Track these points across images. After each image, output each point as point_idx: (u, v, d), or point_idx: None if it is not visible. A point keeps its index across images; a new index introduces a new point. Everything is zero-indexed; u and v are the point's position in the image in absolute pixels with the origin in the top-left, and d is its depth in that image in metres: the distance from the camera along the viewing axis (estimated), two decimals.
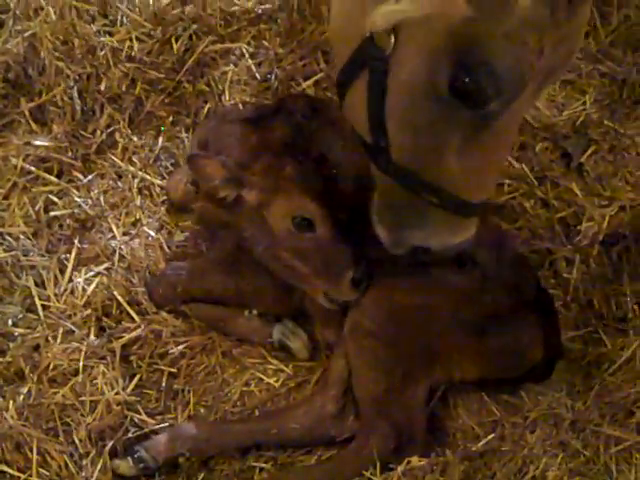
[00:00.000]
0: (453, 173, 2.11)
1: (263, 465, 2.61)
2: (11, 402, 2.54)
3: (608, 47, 3.38)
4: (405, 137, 2.11)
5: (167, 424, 2.64)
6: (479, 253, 2.62)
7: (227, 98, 3.26)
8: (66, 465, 2.45)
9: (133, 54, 3.22)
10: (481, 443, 2.54)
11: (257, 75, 3.31)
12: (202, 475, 2.58)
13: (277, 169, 2.55)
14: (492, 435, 2.56)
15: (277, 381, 2.78)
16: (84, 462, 2.47)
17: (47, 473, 2.44)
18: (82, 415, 2.55)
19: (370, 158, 2.23)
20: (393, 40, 1.97)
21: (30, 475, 2.43)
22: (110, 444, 2.53)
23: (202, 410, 2.72)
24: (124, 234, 2.99)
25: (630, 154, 3.12)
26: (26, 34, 3.21)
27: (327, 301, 2.60)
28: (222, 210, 2.64)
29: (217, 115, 3.11)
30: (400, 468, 2.44)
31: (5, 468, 2.44)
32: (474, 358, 2.62)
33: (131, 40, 3.23)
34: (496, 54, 1.84)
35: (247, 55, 3.33)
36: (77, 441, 2.51)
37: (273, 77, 3.31)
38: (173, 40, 3.26)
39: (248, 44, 3.35)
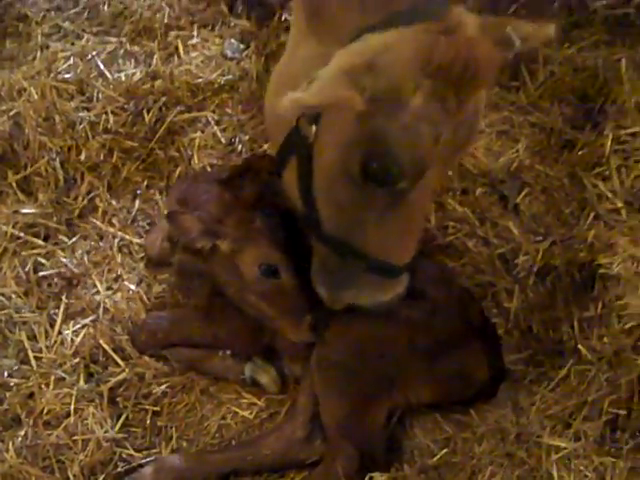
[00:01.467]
0: (375, 241, 2.36)
1: None
2: (10, 444, 2.78)
3: (537, 100, 3.69)
4: (331, 211, 2.40)
5: (153, 458, 2.87)
6: (429, 288, 2.93)
7: (196, 162, 3.55)
8: None
9: (109, 126, 3.53)
10: (435, 458, 2.81)
11: (222, 140, 3.62)
12: None
13: (247, 222, 2.84)
14: (445, 450, 2.82)
15: (251, 414, 3.01)
16: None
17: None
18: (75, 453, 2.79)
19: (305, 227, 2.52)
20: (314, 129, 2.27)
21: None
22: (101, 478, 2.77)
23: (184, 443, 2.94)
24: (107, 289, 3.25)
25: (560, 194, 3.40)
26: (11, 113, 3.53)
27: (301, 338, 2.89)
28: (199, 259, 2.92)
29: (192, 176, 3.38)
30: None
31: None
32: (428, 383, 2.88)
33: (107, 114, 3.55)
34: (396, 144, 2.10)
35: (212, 122, 3.65)
36: (71, 477, 2.74)
37: (237, 141, 3.62)
38: (145, 112, 3.58)
39: (213, 112, 3.67)
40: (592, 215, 3.31)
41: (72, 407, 2.89)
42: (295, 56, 2.49)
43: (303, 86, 2.06)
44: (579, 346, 3.03)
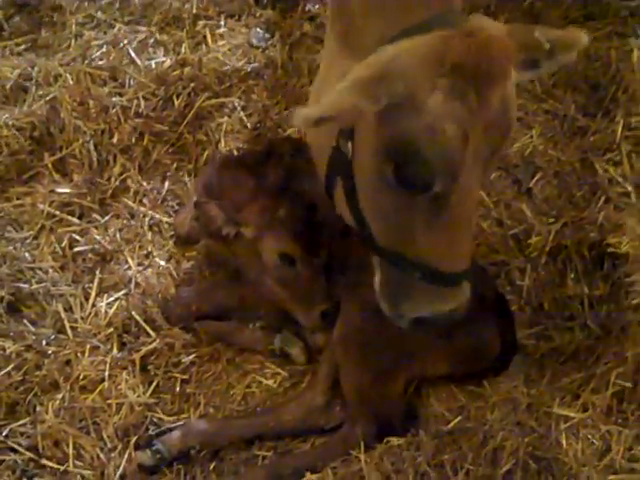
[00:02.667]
0: (425, 249, 2.32)
1: (265, 453, 2.99)
2: (49, 407, 2.95)
3: (550, 88, 3.83)
4: (379, 223, 2.39)
5: (181, 422, 3.03)
6: None
7: (223, 145, 3.70)
8: (98, 457, 2.86)
9: (140, 111, 3.69)
10: (450, 425, 2.95)
11: (248, 125, 3.76)
12: (213, 464, 2.96)
13: (271, 211, 2.99)
14: (459, 417, 2.97)
15: (274, 383, 3.16)
16: (112, 455, 2.88)
17: (81, 464, 2.85)
18: (109, 415, 2.96)
19: (363, 243, 2.51)
20: (350, 146, 2.30)
21: (67, 467, 2.84)
22: (134, 439, 2.94)
23: (211, 410, 3.10)
24: (138, 264, 3.40)
25: (572, 178, 3.54)
26: (47, 98, 3.68)
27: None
28: (224, 244, 3.10)
29: (217, 162, 3.46)
30: (380, 447, 2.87)
31: (46, 462, 2.85)
32: (444, 355, 3.02)
33: (138, 99, 3.70)
34: (422, 145, 2.09)
35: (239, 108, 3.80)
36: (106, 437, 2.92)
37: (262, 125, 3.78)
38: (174, 97, 3.74)
39: (239, 98, 3.82)
40: (603, 198, 3.46)
41: (106, 373, 3.06)
42: (329, 75, 2.51)
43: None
44: (588, 322, 3.18)
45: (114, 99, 3.71)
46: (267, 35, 4.05)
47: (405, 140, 2.12)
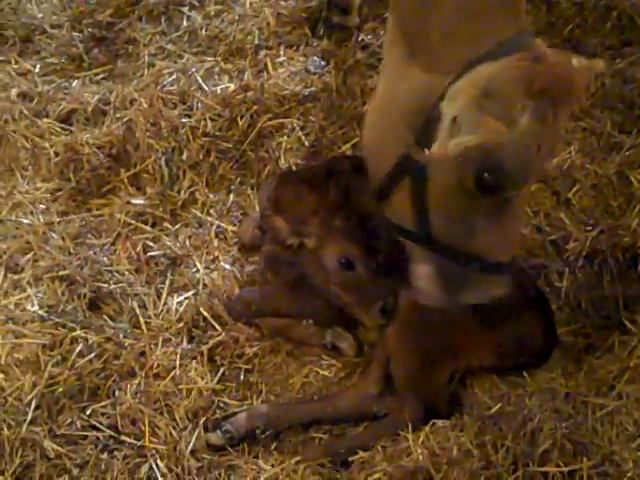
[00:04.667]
0: (485, 243, 2.69)
1: (322, 435, 3.26)
2: (127, 390, 3.26)
3: (589, 108, 4.09)
4: (444, 222, 2.72)
5: (246, 407, 3.32)
6: None
7: (283, 162, 4.02)
8: (170, 434, 3.11)
9: (207, 130, 4.03)
10: (492, 410, 3.20)
11: (306, 143, 4.07)
12: (275, 444, 3.22)
13: (330, 222, 3.31)
14: (500, 404, 3.21)
15: (330, 373, 3.43)
16: (184, 433, 3.15)
17: (156, 440, 3.11)
18: (180, 399, 3.23)
19: (414, 242, 2.85)
20: (427, 153, 2.60)
21: (144, 443, 3.13)
22: (203, 420, 3.22)
23: (272, 397, 3.37)
24: (206, 268, 3.70)
25: (608, 189, 3.79)
26: (124, 120, 4.04)
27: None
28: (288, 252, 3.41)
29: (281, 176, 3.75)
30: (427, 428, 3.12)
31: (125, 438, 3.14)
32: (488, 349, 3.27)
33: (205, 120, 4.05)
34: (507, 158, 2.46)
35: (297, 128, 4.11)
36: (177, 418, 3.19)
37: (318, 144, 4.09)
38: (238, 118, 4.08)
39: (298, 119, 4.14)
40: (637, 208, 3.69)
41: (177, 363, 3.34)
42: (395, 89, 2.78)
43: (448, 129, 2.48)
44: (623, 319, 3.40)
45: (184, 120, 4.07)
46: (323, 63, 4.39)
47: (493, 153, 2.45)
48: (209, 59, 4.48)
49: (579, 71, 2.50)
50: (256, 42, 4.52)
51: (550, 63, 2.46)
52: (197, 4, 4.80)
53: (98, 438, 3.16)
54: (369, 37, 4.51)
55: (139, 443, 3.12)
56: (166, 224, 3.87)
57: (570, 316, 3.50)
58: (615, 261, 3.53)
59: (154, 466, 3.06)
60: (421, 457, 2.97)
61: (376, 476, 2.98)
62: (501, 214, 2.65)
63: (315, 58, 4.42)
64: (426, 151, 2.61)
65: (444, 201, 2.68)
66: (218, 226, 3.87)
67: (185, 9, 4.77)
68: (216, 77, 4.37)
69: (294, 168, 4.00)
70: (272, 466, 3.09)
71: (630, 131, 3.96)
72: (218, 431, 3.20)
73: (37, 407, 3.18)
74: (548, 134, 2.49)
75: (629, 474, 2.85)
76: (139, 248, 3.76)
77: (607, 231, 3.61)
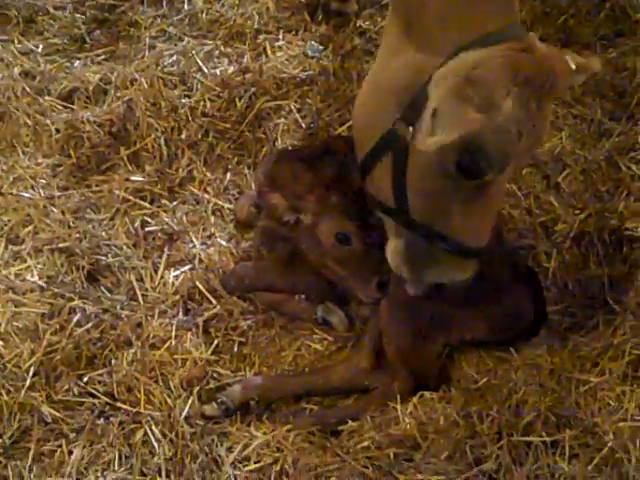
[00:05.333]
0: (458, 226, 2.72)
1: (312, 407, 3.36)
2: (124, 359, 3.34)
3: (580, 96, 4.18)
4: (421, 201, 2.75)
5: (239, 379, 3.42)
6: None
7: (280, 143, 4.10)
8: (165, 402, 3.20)
9: (206, 111, 4.12)
10: (478, 384, 3.29)
11: (302, 125, 4.15)
12: (267, 414, 3.32)
13: (325, 198, 3.40)
14: (486, 378, 3.30)
15: (322, 347, 3.52)
16: (178, 401, 3.24)
17: (151, 407, 3.19)
18: (175, 368, 3.32)
19: (391, 217, 2.90)
20: (411, 130, 2.65)
21: (139, 409, 3.20)
22: (197, 389, 3.29)
23: (264, 369, 3.47)
24: (202, 244, 3.79)
25: (597, 174, 3.87)
26: (125, 99, 4.13)
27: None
28: (284, 228, 3.49)
29: (277, 154, 3.85)
30: (415, 399, 3.21)
31: (121, 404, 3.22)
32: (481, 322, 3.35)
33: (204, 100, 4.14)
34: (488, 142, 2.50)
35: (294, 110, 4.19)
36: (172, 387, 3.27)
37: (315, 126, 4.18)
38: (237, 100, 4.16)
39: (295, 102, 4.22)
40: (625, 193, 3.78)
41: (173, 333, 3.43)
42: (389, 65, 2.84)
43: (429, 124, 2.56)
44: (608, 299, 3.49)
45: (183, 100, 4.15)
46: (321, 47, 4.47)
47: (475, 137, 2.49)
48: (209, 42, 4.55)
49: (566, 66, 2.58)
50: (255, 26, 4.58)
51: (538, 54, 2.53)
52: None
53: (94, 404, 3.25)
54: (367, 23, 4.58)
55: (134, 410, 3.20)
56: (164, 201, 3.95)
57: (557, 296, 3.59)
58: (602, 243, 3.61)
59: (149, 432, 3.14)
60: (409, 426, 3.07)
61: (365, 444, 3.08)
62: (478, 199, 2.68)
63: (313, 42, 4.49)
64: (410, 129, 2.66)
65: (423, 180, 2.72)
66: (215, 204, 3.95)
67: None
68: (216, 60, 4.44)
69: (290, 148, 4.07)
70: (264, 434, 3.17)
71: (620, 118, 4.05)
72: (214, 402, 3.29)
73: (35, 374, 3.27)
74: (531, 122, 2.53)
75: (609, 444, 2.93)
76: (137, 223, 3.84)
77: (595, 214, 3.69)
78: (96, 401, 3.25)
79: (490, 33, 2.58)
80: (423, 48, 2.70)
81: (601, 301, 3.52)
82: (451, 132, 2.52)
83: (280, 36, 4.56)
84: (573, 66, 2.61)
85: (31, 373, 3.26)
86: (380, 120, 2.78)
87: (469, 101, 2.48)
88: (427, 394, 3.22)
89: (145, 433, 3.14)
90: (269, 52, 4.45)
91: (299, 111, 4.21)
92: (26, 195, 3.87)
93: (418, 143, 2.61)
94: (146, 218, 3.88)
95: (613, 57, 4.32)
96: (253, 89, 4.20)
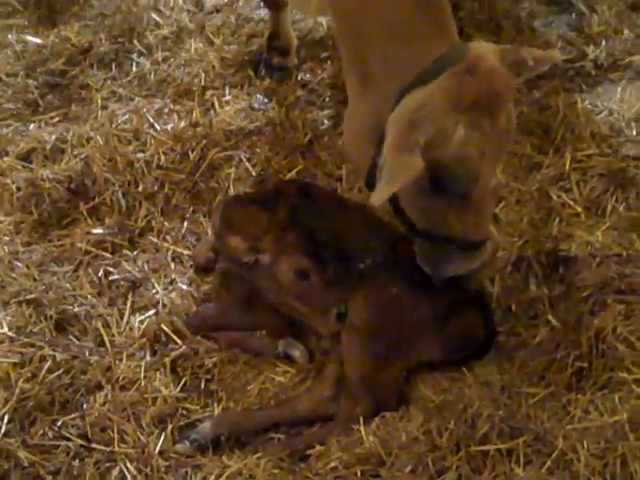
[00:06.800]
0: (458, 226, 3.05)
1: (280, 436, 3.50)
2: (96, 403, 3.47)
3: None
4: (417, 214, 3.10)
5: (208, 414, 3.55)
6: None
7: (232, 191, 4.31)
8: (139, 439, 3.32)
9: (161, 164, 4.31)
10: (435, 402, 3.49)
11: (253, 173, 4.37)
12: (237, 446, 3.44)
13: (282, 238, 3.61)
14: (442, 396, 3.51)
15: (285, 379, 3.66)
16: (151, 437, 3.36)
17: (125, 445, 3.31)
18: (147, 407, 3.44)
19: (405, 228, 3.26)
20: None
21: (113, 448, 3.32)
22: (170, 427, 3.41)
23: (232, 404, 3.59)
24: (164, 289, 3.95)
25: (530, 204, 4.15)
26: (82, 156, 4.31)
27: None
28: (243, 269, 3.69)
29: (232, 198, 4.08)
30: (377, 419, 3.39)
31: (95, 445, 3.33)
32: (437, 343, 3.56)
33: (159, 154, 4.33)
34: (452, 166, 2.84)
35: (245, 160, 4.40)
36: (144, 424, 3.39)
37: (265, 174, 4.40)
38: (189, 152, 4.36)
39: (245, 152, 4.43)
40: (557, 219, 4.06)
41: (142, 374, 3.56)
42: (357, 109, 3.21)
43: (381, 180, 2.84)
44: (549, 317, 3.73)
45: (138, 155, 4.34)
46: (266, 100, 4.72)
47: (438, 163, 2.80)
48: (158, 101, 4.77)
49: (507, 73, 2.85)
50: (202, 84, 4.82)
51: (482, 72, 2.79)
52: (145, 51, 5.08)
53: (69, 447, 3.35)
54: (307, 76, 4.87)
55: (109, 449, 3.32)
56: (125, 251, 4.10)
57: (502, 317, 3.80)
58: (540, 266, 3.85)
59: (124, 469, 3.25)
60: (373, 445, 3.24)
61: (333, 464, 3.23)
62: (469, 202, 2.98)
63: (259, 96, 4.74)
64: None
65: (414, 199, 3.05)
66: (174, 251, 4.12)
67: (134, 56, 5.06)
68: (166, 117, 4.65)
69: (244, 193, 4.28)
70: (236, 463, 3.30)
71: (547, 152, 4.34)
72: (186, 441, 3.41)
73: (10, 420, 3.37)
74: (490, 137, 2.82)
75: (560, 447, 3.14)
76: (100, 273, 3.99)
77: (531, 240, 3.94)
78: (70, 444, 3.36)
79: (428, 68, 2.84)
80: (376, 92, 3.03)
81: (543, 320, 3.74)
82: (395, 183, 2.79)
83: (227, 91, 4.80)
84: (530, 62, 2.93)
85: (6, 420, 3.36)
86: (362, 155, 3.15)
87: (416, 142, 2.75)
88: (388, 414, 3.39)
89: (121, 470, 3.25)
90: (217, 107, 4.68)
91: (249, 160, 4.42)
92: None
93: (372, 200, 2.87)
94: (109, 268, 4.02)
95: (537, 97, 4.64)
96: (204, 141, 4.42)
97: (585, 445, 3.13)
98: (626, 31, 4.99)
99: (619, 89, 4.73)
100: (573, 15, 5.13)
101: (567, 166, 4.23)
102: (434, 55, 2.88)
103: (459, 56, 2.85)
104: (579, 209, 4.07)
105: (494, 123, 2.83)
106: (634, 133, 4.40)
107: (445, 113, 2.77)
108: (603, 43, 4.94)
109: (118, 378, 3.57)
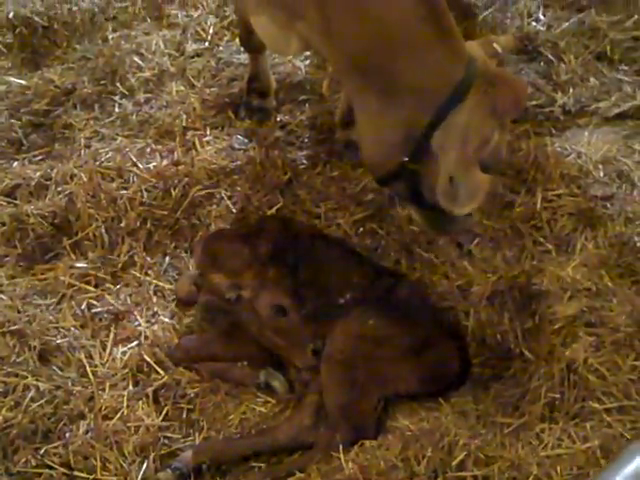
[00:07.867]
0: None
1: (261, 464, 3.56)
2: (79, 431, 3.52)
3: None
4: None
5: (189, 444, 3.62)
6: (412, 301, 3.88)
7: (213, 228, 4.41)
8: (121, 466, 3.39)
9: (143, 201, 4.40)
10: (413, 431, 3.57)
11: (233, 210, 4.48)
12: (219, 475, 3.52)
13: (263, 274, 3.73)
14: (420, 425, 3.60)
15: (266, 409, 3.73)
16: (133, 465, 3.43)
17: (107, 473, 3.37)
18: (129, 435, 3.51)
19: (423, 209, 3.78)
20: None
21: (96, 476, 3.37)
22: (152, 455, 3.47)
23: (213, 433, 3.65)
24: (147, 322, 4.01)
25: (503, 241, 4.28)
26: (66, 192, 4.40)
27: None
28: (224, 303, 3.79)
29: (214, 234, 4.21)
30: (356, 447, 3.46)
31: (77, 473, 3.38)
32: (413, 375, 3.67)
33: (141, 191, 4.42)
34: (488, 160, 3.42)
35: (225, 197, 4.51)
36: (127, 453, 3.46)
37: (245, 211, 4.51)
38: (172, 189, 4.46)
39: (225, 190, 4.53)
40: (529, 256, 4.21)
41: (124, 404, 3.62)
42: (381, 122, 3.57)
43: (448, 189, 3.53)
44: (522, 349, 3.85)
45: (121, 192, 4.43)
46: (246, 140, 4.84)
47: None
48: (140, 141, 4.86)
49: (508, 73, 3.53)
50: (184, 124, 4.93)
51: (498, 82, 3.28)
52: (127, 93, 5.19)
53: (52, 476, 3.40)
54: (286, 117, 5.01)
55: (92, 477, 3.38)
56: (108, 285, 4.18)
57: (477, 350, 3.92)
58: (513, 300, 3.98)
59: None
60: (352, 471, 3.31)
61: None
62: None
63: (239, 136, 4.86)
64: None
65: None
66: (156, 285, 4.20)
67: (116, 97, 5.17)
68: (148, 156, 4.74)
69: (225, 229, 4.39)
70: None
71: (519, 192, 4.50)
72: (168, 469, 3.47)
73: None
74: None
75: (535, 473, 3.23)
76: (83, 306, 4.06)
77: (505, 275, 4.07)
78: (53, 472, 3.40)
79: (458, 86, 3.31)
80: (405, 106, 3.44)
81: (516, 352, 3.86)
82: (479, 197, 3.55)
83: (208, 132, 4.91)
84: (499, 49, 3.49)
85: None
86: (390, 163, 3.61)
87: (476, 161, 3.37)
88: (367, 442, 3.46)
89: None
90: (198, 147, 4.79)
91: (230, 198, 4.53)
92: None
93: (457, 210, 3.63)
94: (92, 301, 4.09)
95: (509, 140, 4.80)
96: (186, 179, 4.52)
97: (559, 471, 3.22)
98: (592, 79, 5.20)
99: (586, 133, 4.92)
100: (542, 63, 5.32)
101: (538, 205, 4.39)
102: (454, 64, 3.33)
103: (477, 70, 3.31)
104: (550, 246, 4.22)
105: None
106: (601, 174, 4.58)
107: (485, 124, 3.31)
108: (571, 90, 5.14)
109: (101, 408, 3.62)
